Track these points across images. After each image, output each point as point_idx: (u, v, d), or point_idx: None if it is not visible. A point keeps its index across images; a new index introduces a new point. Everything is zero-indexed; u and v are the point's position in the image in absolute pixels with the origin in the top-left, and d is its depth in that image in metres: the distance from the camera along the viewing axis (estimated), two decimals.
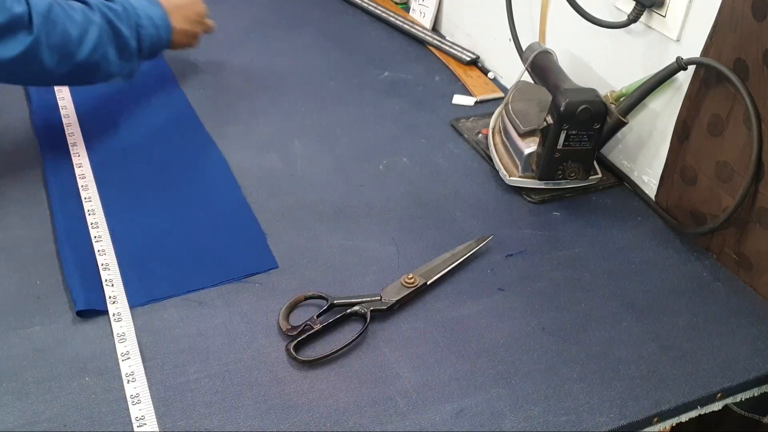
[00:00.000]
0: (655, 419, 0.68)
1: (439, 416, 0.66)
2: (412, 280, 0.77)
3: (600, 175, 0.94)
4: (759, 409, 0.80)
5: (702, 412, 0.71)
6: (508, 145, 0.96)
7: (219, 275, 0.78)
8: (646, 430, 0.68)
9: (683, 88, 0.85)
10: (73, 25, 0.84)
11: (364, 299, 0.75)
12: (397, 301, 0.75)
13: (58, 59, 0.84)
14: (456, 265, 0.81)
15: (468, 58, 1.23)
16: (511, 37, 1.09)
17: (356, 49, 1.26)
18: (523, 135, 0.92)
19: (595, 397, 0.68)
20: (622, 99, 0.90)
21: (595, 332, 0.75)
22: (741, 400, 0.73)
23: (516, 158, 0.94)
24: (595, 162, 0.92)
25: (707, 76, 0.81)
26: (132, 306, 0.74)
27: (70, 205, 0.86)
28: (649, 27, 0.88)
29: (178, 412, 0.64)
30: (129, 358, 0.68)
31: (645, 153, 0.93)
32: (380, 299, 0.75)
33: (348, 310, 0.74)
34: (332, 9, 1.40)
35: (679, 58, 0.82)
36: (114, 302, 0.73)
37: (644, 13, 0.86)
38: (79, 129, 0.99)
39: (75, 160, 0.93)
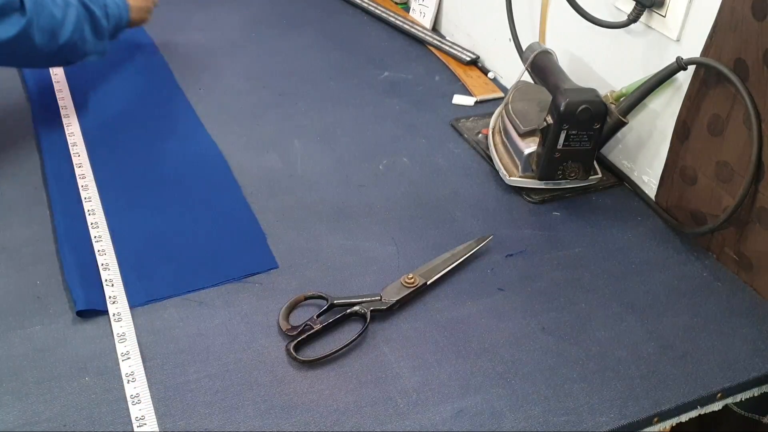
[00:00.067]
0: (655, 419, 0.68)
1: (439, 416, 0.66)
2: (412, 280, 0.77)
3: (600, 175, 0.94)
4: (759, 409, 0.80)
5: (702, 412, 0.71)
6: (508, 145, 0.96)
7: (219, 275, 0.78)
8: (646, 430, 0.68)
9: (683, 88, 0.85)
10: (56, 7, 0.89)
11: (364, 299, 0.75)
12: (397, 301, 0.75)
13: (47, 40, 0.89)
14: (456, 265, 0.81)
15: (468, 58, 1.23)
16: (511, 37, 1.09)
17: (356, 49, 1.26)
18: (523, 135, 0.92)
19: (595, 397, 0.68)
20: (622, 99, 0.90)
21: (595, 332, 0.75)
22: (741, 400, 0.73)
23: (516, 158, 0.94)
24: (595, 162, 0.92)
25: (707, 76, 0.81)
26: (132, 306, 0.74)
27: (70, 205, 0.86)
28: (649, 27, 0.88)
29: (178, 412, 0.65)
30: (129, 358, 0.68)
31: (645, 153, 0.93)
32: (380, 299, 0.75)
33: (348, 310, 0.74)
34: (332, 9, 1.40)
35: (679, 58, 0.82)
36: (114, 302, 0.73)
37: (644, 13, 0.86)
38: (79, 129, 0.99)
39: (75, 160, 0.93)
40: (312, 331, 0.72)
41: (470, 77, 1.20)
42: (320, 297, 0.76)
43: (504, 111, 0.98)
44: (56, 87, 1.07)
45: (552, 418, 0.66)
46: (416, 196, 0.92)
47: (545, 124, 0.87)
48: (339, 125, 1.05)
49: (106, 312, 0.73)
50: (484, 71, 1.22)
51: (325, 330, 0.73)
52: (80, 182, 0.89)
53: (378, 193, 0.93)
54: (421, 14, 1.36)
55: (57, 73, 1.10)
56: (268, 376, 0.68)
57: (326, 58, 1.23)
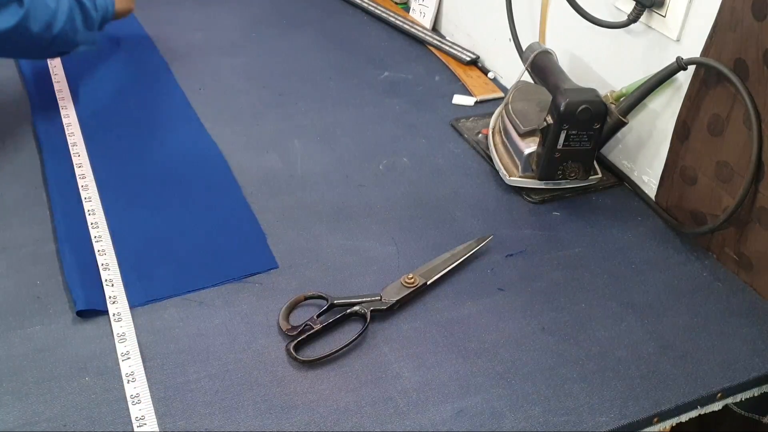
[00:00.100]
0: (655, 419, 0.68)
1: (439, 416, 0.66)
2: (412, 280, 0.77)
3: (600, 175, 0.94)
4: (759, 409, 0.80)
5: (702, 412, 0.71)
6: (508, 145, 0.96)
7: (219, 275, 0.78)
8: (646, 430, 0.68)
9: (683, 88, 0.85)
10: None
11: (364, 299, 0.75)
12: (397, 301, 0.75)
13: (43, 30, 0.91)
14: (456, 265, 0.81)
15: (468, 58, 1.23)
16: (511, 37, 1.09)
17: (356, 49, 1.26)
18: (523, 135, 0.92)
19: (595, 397, 0.68)
20: (622, 99, 0.90)
21: (595, 332, 0.75)
22: (741, 400, 0.73)
23: (516, 158, 0.94)
24: (595, 162, 0.92)
25: (707, 76, 0.81)
26: (132, 306, 0.74)
27: (70, 205, 0.86)
28: (649, 27, 0.88)
29: (178, 412, 0.65)
30: (129, 358, 0.68)
31: (645, 153, 0.93)
32: (380, 299, 0.75)
33: (348, 310, 0.74)
34: (332, 9, 1.40)
35: (679, 58, 0.82)
36: (114, 302, 0.73)
37: (644, 13, 0.86)
38: (79, 129, 0.99)
39: (75, 160, 0.93)
40: (312, 331, 0.72)
41: (470, 77, 1.20)
42: (320, 297, 0.76)
43: (504, 111, 0.98)
44: (56, 87, 1.07)
45: (552, 418, 0.66)
46: (416, 196, 0.92)
47: (545, 124, 0.87)
48: (339, 125, 1.05)
49: (106, 312, 0.73)
50: (484, 71, 1.22)
51: (325, 330, 0.73)
52: (80, 182, 0.89)
53: (378, 193, 0.93)
54: (421, 14, 1.36)
55: (57, 74, 1.10)
56: (268, 376, 0.68)
57: (326, 58, 1.23)
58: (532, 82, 1.01)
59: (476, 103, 1.13)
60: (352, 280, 0.79)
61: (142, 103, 1.07)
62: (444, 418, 0.66)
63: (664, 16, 0.84)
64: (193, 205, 0.88)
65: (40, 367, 0.68)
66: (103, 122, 1.01)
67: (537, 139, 0.91)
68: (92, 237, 0.81)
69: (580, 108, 0.84)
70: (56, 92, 1.06)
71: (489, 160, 0.99)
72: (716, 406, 0.72)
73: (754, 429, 0.83)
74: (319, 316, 0.73)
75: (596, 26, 0.92)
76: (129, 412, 0.64)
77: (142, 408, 0.64)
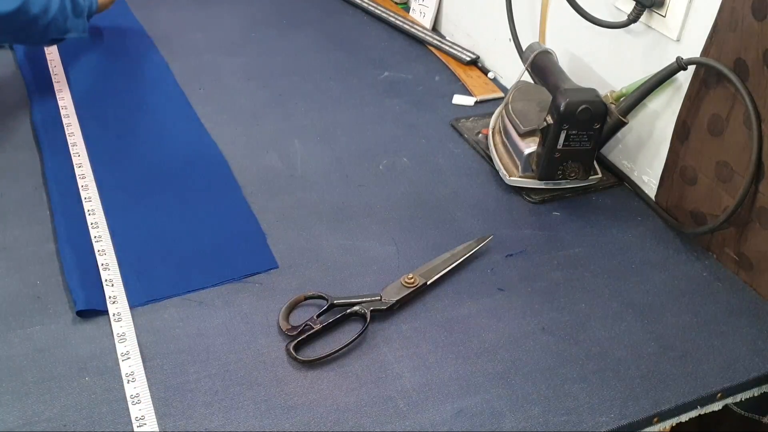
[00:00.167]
0: (655, 419, 0.68)
1: (439, 416, 0.66)
2: (412, 280, 0.77)
3: (600, 175, 0.94)
4: (759, 409, 0.80)
5: (702, 412, 0.71)
6: (508, 145, 0.96)
7: (219, 275, 0.78)
8: (646, 430, 0.68)
9: (683, 88, 0.85)
10: None
11: (364, 299, 0.75)
12: (397, 301, 0.75)
13: (41, 13, 0.95)
14: (456, 265, 0.81)
15: (468, 58, 1.23)
16: (511, 37, 1.09)
17: (356, 49, 1.26)
18: (523, 135, 0.92)
19: (595, 397, 0.68)
20: (622, 99, 0.90)
21: (595, 332, 0.75)
22: (741, 400, 0.73)
23: (516, 158, 0.94)
24: (595, 162, 0.92)
25: (707, 76, 0.81)
26: (132, 306, 0.74)
27: (70, 205, 0.86)
28: (649, 27, 0.88)
29: (178, 412, 0.65)
30: (129, 358, 0.68)
31: (645, 153, 0.93)
32: (380, 299, 0.75)
33: (348, 310, 0.74)
34: (332, 9, 1.40)
35: (679, 58, 0.82)
36: (114, 302, 0.73)
37: (644, 13, 0.86)
38: (79, 129, 0.99)
39: (75, 160, 0.93)
40: (312, 331, 0.72)
41: (470, 77, 1.20)
42: (320, 297, 0.76)
43: (504, 111, 0.98)
44: (56, 87, 1.07)
45: (552, 418, 0.66)
46: (416, 196, 0.92)
47: (545, 124, 0.87)
48: (339, 125, 1.05)
49: (106, 312, 0.73)
50: (484, 71, 1.22)
51: (325, 330, 0.73)
52: (80, 182, 0.89)
53: (378, 193, 0.93)
54: (421, 14, 1.36)
55: (57, 73, 1.11)
56: (268, 376, 0.68)
57: (326, 58, 1.23)
58: (532, 82, 1.01)
59: (476, 103, 1.13)
60: (352, 280, 0.79)
61: (142, 103, 1.07)
62: (444, 418, 0.66)
63: (664, 16, 0.84)
64: (193, 205, 0.88)
65: (40, 367, 0.68)
66: (103, 122, 1.01)
67: (537, 139, 0.91)
68: (92, 237, 0.81)
69: (580, 108, 0.84)
70: (56, 92, 1.06)
71: (489, 160, 0.99)
72: (716, 406, 0.72)
73: (754, 429, 0.83)
74: (319, 316, 0.73)
75: (596, 26, 0.92)
76: (129, 412, 0.64)
77: (142, 408, 0.64)
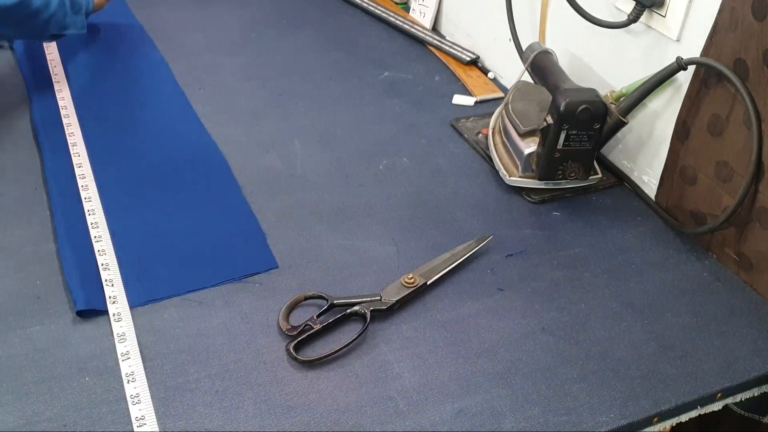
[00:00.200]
0: (655, 419, 0.68)
1: (439, 416, 0.66)
2: (412, 280, 0.77)
3: (600, 175, 0.94)
4: (759, 409, 0.80)
5: (702, 412, 0.71)
6: (508, 145, 0.96)
7: (219, 275, 0.78)
8: (646, 430, 0.68)
9: (683, 88, 0.85)
10: None
11: (364, 299, 0.75)
12: (397, 301, 0.75)
13: (41, 8, 0.97)
14: (456, 265, 0.81)
15: (468, 58, 1.23)
16: (511, 37, 1.09)
17: (356, 49, 1.26)
18: (523, 135, 0.92)
19: (595, 397, 0.68)
20: (622, 99, 0.90)
21: (595, 332, 0.75)
22: (741, 400, 0.73)
23: (516, 158, 0.94)
24: (595, 162, 0.92)
25: (707, 76, 0.81)
26: (132, 306, 0.74)
27: (70, 205, 0.86)
28: (649, 27, 0.88)
29: (178, 412, 0.65)
30: (129, 358, 0.68)
31: (645, 153, 0.93)
32: (380, 299, 0.75)
33: (348, 310, 0.74)
34: (332, 9, 1.40)
35: (679, 58, 0.82)
36: (114, 302, 0.73)
37: (644, 13, 0.86)
38: (79, 129, 0.99)
39: (75, 160, 0.93)
40: (312, 331, 0.72)
41: (470, 77, 1.20)
42: (320, 297, 0.76)
43: (504, 111, 0.98)
44: (56, 87, 1.07)
45: (552, 418, 0.66)
46: (416, 196, 0.92)
47: (545, 124, 0.87)
48: (339, 125, 1.05)
49: (106, 312, 0.73)
50: (484, 71, 1.22)
51: (325, 330, 0.73)
52: (80, 182, 0.89)
53: (378, 193, 0.93)
54: (421, 14, 1.36)
55: (57, 73, 1.11)
56: (268, 376, 0.68)
57: (326, 58, 1.23)
58: (532, 82, 1.01)
59: (476, 103, 1.13)
60: (352, 280, 0.79)
61: (142, 103, 1.07)
62: (444, 418, 0.66)
63: (664, 16, 0.84)
64: (193, 205, 0.88)
65: (40, 367, 0.68)
66: (103, 122, 1.01)
67: (537, 139, 0.91)
68: (92, 237, 0.81)
69: (580, 108, 0.84)
70: (56, 92, 1.06)
71: (489, 160, 0.99)
72: (716, 406, 0.72)
73: (754, 429, 0.83)
74: (319, 316, 0.73)
75: (596, 26, 0.92)
76: (129, 412, 0.64)
77: (142, 408, 0.64)
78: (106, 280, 0.76)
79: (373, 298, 0.75)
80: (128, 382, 0.66)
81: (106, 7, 1.18)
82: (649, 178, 0.94)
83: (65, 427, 0.63)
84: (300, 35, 1.29)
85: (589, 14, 0.93)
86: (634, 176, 0.96)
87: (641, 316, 0.77)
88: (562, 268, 0.83)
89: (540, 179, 0.91)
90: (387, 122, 1.07)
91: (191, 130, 1.02)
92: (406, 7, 1.41)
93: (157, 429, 0.63)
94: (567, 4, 0.94)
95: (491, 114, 1.04)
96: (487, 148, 1.00)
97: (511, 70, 1.16)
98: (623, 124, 0.90)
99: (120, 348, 0.69)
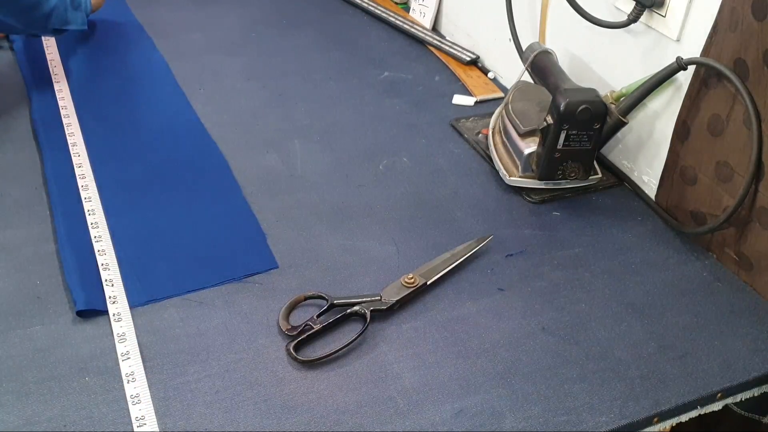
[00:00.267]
0: (655, 419, 0.68)
1: (439, 416, 0.66)
2: (412, 280, 0.77)
3: (600, 175, 0.94)
4: (759, 409, 0.80)
5: (702, 412, 0.71)
6: (508, 145, 0.96)
7: (219, 275, 0.78)
8: (646, 430, 0.68)
9: (683, 88, 0.85)
10: None
11: (364, 299, 0.75)
12: (397, 301, 0.75)
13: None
14: (456, 265, 0.81)
15: (468, 58, 1.23)
16: (511, 37, 1.09)
17: (356, 49, 1.26)
18: (523, 135, 0.92)
19: (595, 397, 0.68)
20: (622, 99, 0.90)
21: (595, 332, 0.75)
22: (741, 400, 0.73)
23: (516, 158, 0.94)
24: (595, 162, 0.92)
25: (707, 76, 0.81)
26: (132, 306, 0.74)
27: (70, 205, 0.86)
28: (649, 27, 0.88)
29: (178, 412, 0.65)
30: (129, 358, 0.68)
31: (645, 153, 0.93)
32: (380, 299, 0.75)
33: (348, 310, 0.74)
34: (332, 9, 1.40)
35: (679, 58, 0.82)
36: (114, 302, 0.73)
37: (644, 13, 0.86)
38: (79, 129, 0.99)
39: (75, 160, 0.93)
40: (312, 331, 0.72)
41: (470, 77, 1.20)
42: (320, 297, 0.76)
43: (504, 111, 0.98)
44: (56, 87, 1.07)
45: (552, 418, 0.66)
46: (416, 196, 0.92)
47: (545, 124, 0.87)
48: (339, 125, 1.05)
49: (106, 312, 0.73)
50: (484, 71, 1.22)
51: (325, 330, 0.73)
52: (80, 182, 0.89)
53: (378, 193, 0.93)
54: (421, 14, 1.36)
55: (57, 73, 1.11)
56: (268, 376, 0.68)
57: (326, 58, 1.23)
58: (532, 82, 1.01)
59: (476, 103, 1.13)
60: (352, 280, 0.79)
61: (142, 103, 1.07)
62: (444, 418, 0.66)
63: (664, 16, 0.84)
64: (193, 205, 0.88)
65: (40, 367, 0.68)
66: (103, 122, 1.01)
67: (537, 139, 0.91)
68: (92, 237, 0.81)
69: (580, 108, 0.84)
70: (56, 92, 1.06)
71: (489, 160, 0.99)
72: (716, 406, 0.72)
73: (754, 429, 0.83)
74: (319, 316, 0.73)
75: (596, 26, 0.92)
76: (129, 412, 0.64)
77: (142, 408, 0.64)
78: (106, 280, 0.76)
79: (373, 298, 0.75)
80: (128, 382, 0.66)
81: (107, 7, 1.19)
82: (649, 178, 0.94)
83: (65, 427, 0.63)
84: (300, 35, 1.29)
85: (589, 14, 0.93)
86: (634, 176, 0.96)
87: (641, 316, 0.77)
88: (562, 268, 0.83)
89: (540, 179, 0.91)
90: (387, 122, 1.07)
91: (191, 130, 1.02)
92: (406, 7, 1.41)
93: (157, 429, 0.63)
94: (567, 4, 0.94)
95: (491, 114, 1.04)
96: (487, 148, 1.00)
97: (511, 70, 1.16)
98: (623, 124, 0.90)
99: (120, 348, 0.69)
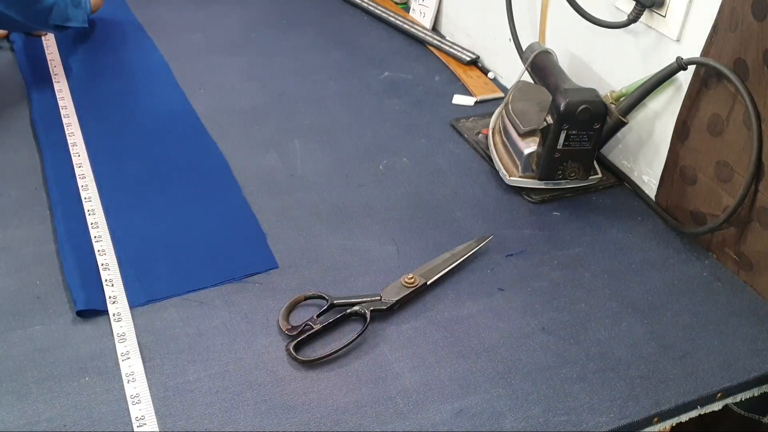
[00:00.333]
0: (655, 419, 0.68)
1: (439, 416, 0.66)
2: (412, 280, 0.77)
3: (600, 175, 0.94)
4: (759, 409, 0.80)
5: (702, 412, 0.71)
6: (508, 145, 0.96)
7: (219, 275, 0.78)
8: (646, 430, 0.68)
9: (683, 88, 0.85)
10: None
11: (364, 299, 0.75)
12: (397, 301, 0.75)
13: None
14: (456, 265, 0.81)
15: (468, 58, 1.23)
16: (511, 37, 1.09)
17: (356, 49, 1.26)
18: (523, 135, 0.92)
19: (595, 397, 0.68)
20: (622, 99, 0.90)
21: (595, 332, 0.75)
22: (741, 400, 0.73)
23: (516, 158, 0.94)
24: (595, 162, 0.92)
25: (707, 76, 0.81)
26: (132, 306, 0.74)
27: (70, 205, 0.86)
28: (649, 27, 0.88)
29: (178, 412, 0.65)
30: (129, 358, 0.69)
31: (645, 153, 0.93)
32: (380, 299, 0.75)
33: (348, 310, 0.74)
34: (332, 9, 1.40)
35: (679, 58, 0.82)
36: (114, 302, 0.73)
37: (644, 13, 0.86)
38: (79, 129, 0.99)
39: (75, 160, 0.93)
40: (312, 331, 0.72)
41: (470, 77, 1.20)
42: (320, 297, 0.76)
43: (504, 111, 0.98)
44: (56, 87, 1.07)
45: (552, 417, 0.66)
46: (416, 196, 0.92)
47: (545, 124, 0.87)
48: (339, 125, 1.05)
49: (106, 312, 0.73)
50: (484, 71, 1.22)
51: (325, 330, 0.73)
52: (80, 182, 0.89)
53: (378, 193, 0.93)
54: (421, 14, 1.36)
55: (57, 73, 1.11)
56: (268, 376, 0.68)
57: (326, 58, 1.23)
58: (532, 82, 1.01)
59: (476, 103, 1.13)
60: (352, 280, 0.79)
61: (142, 103, 1.07)
62: (444, 418, 0.66)
63: (664, 16, 0.84)
64: (193, 205, 0.88)
65: (40, 367, 0.68)
66: (103, 122, 1.02)
67: (537, 139, 0.91)
68: (92, 237, 0.81)
69: (580, 108, 0.84)
70: (56, 92, 1.06)
71: (489, 160, 0.99)
72: (716, 406, 0.72)
73: (754, 429, 0.83)
74: (319, 316, 0.73)
75: (596, 26, 0.92)
76: (129, 412, 0.64)
77: (142, 408, 0.64)
78: (106, 280, 0.76)
79: (373, 298, 0.75)
80: (128, 382, 0.66)
81: (107, 6, 1.20)
82: (649, 178, 0.94)
83: (65, 427, 0.63)
84: (300, 35, 1.29)
85: (589, 14, 0.93)
86: (634, 176, 0.96)
87: (641, 316, 0.77)
88: (562, 268, 0.83)
89: (540, 179, 0.91)
90: (387, 122, 1.07)
91: (191, 130, 1.02)
92: (406, 7, 1.41)
93: (157, 429, 0.63)
94: (567, 4, 0.94)
95: (491, 114, 1.04)
96: (487, 148, 1.00)
97: (511, 70, 1.16)
98: (623, 124, 0.90)
99: (120, 348, 0.69)
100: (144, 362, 0.68)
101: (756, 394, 0.73)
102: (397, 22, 1.33)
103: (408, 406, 0.66)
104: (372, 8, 1.37)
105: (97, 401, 0.65)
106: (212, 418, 0.64)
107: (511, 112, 0.95)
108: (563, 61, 1.00)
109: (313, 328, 0.72)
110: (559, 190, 0.93)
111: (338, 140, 1.02)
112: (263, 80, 1.15)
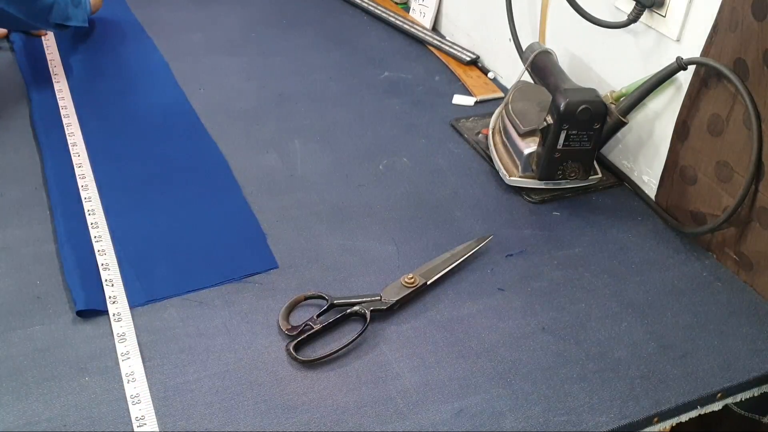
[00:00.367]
0: (655, 419, 0.68)
1: (439, 416, 0.66)
2: (412, 280, 0.77)
3: (600, 175, 0.94)
4: (759, 409, 0.80)
5: (702, 412, 0.71)
6: (508, 145, 0.96)
7: (219, 275, 0.78)
8: (646, 430, 0.68)
9: (683, 88, 0.85)
10: None
11: (364, 299, 0.75)
12: (397, 301, 0.75)
13: None
14: (456, 265, 0.81)
15: (468, 58, 1.23)
16: (511, 37, 1.09)
17: (356, 49, 1.26)
18: (523, 135, 0.92)
19: (595, 397, 0.68)
20: (622, 99, 0.90)
21: (595, 332, 0.75)
22: (741, 400, 0.73)
23: (516, 158, 0.94)
24: (595, 162, 0.92)
25: (707, 76, 0.81)
26: (132, 306, 0.74)
27: (70, 205, 0.86)
28: (649, 27, 0.88)
29: (178, 412, 0.65)
30: (129, 358, 0.69)
31: (645, 153, 0.93)
32: (380, 299, 0.75)
33: (348, 310, 0.74)
34: (332, 9, 1.40)
35: (679, 58, 0.82)
36: (114, 302, 0.73)
37: (644, 13, 0.86)
38: (79, 129, 0.99)
39: (75, 160, 0.93)
40: (312, 331, 0.72)
41: (470, 77, 1.20)
42: (320, 297, 0.76)
43: (504, 111, 0.98)
44: (56, 87, 1.07)
45: (552, 417, 0.66)
46: (416, 196, 0.92)
47: (545, 124, 0.87)
48: (339, 125, 1.05)
49: (106, 312, 0.73)
50: (484, 71, 1.22)
51: (325, 330, 0.73)
52: (80, 182, 0.89)
53: (378, 193, 0.93)
54: (421, 14, 1.36)
55: (57, 73, 1.11)
56: (268, 376, 0.68)
57: (326, 58, 1.23)
58: (532, 82, 1.01)
59: (476, 103, 1.13)
60: (352, 280, 0.79)
61: (142, 103, 1.07)
62: (444, 418, 0.66)
63: (664, 16, 0.84)
64: (193, 205, 0.88)
65: (40, 367, 0.68)
66: (103, 122, 1.02)
67: (537, 139, 0.91)
68: (92, 237, 0.81)
69: (580, 108, 0.84)
70: (56, 92, 1.06)
71: (489, 160, 0.99)
72: (716, 406, 0.72)
73: (754, 429, 0.83)
74: (319, 316, 0.73)
75: (596, 26, 0.92)
76: (129, 412, 0.64)
77: (142, 408, 0.64)
78: (106, 280, 0.76)
79: (373, 298, 0.75)
80: (128, 382, 0.66)
81: (107, 6, 1.20)
82: (649, 178, 0.94)
83: (65, 427, 0.63)
84: (300, 35, 1.29)
85: (589, 14, 0.93)
86: (634, 176, 0.96)
87: (641, 316, 0.77)
88: (562, 268, 0.83)
89: (540, 179, 0.91)
90: (387, 122, 1.07)
91: (191, 130, 1.02)
92: (406, 7, 1.41)
93: (157, 429, 0.63)
94: (567, 4, 0.94)
95: (491, 114, 1.04)
96: (487, 148, 1.00)
97: (511, 70, 1.16)
98: (623, 124, 0.90)
99: (120, 348, 0.69)
100: (144, 362, 0.68)
101: (756, 394, 0.73)
102: (397, 22, 1.33)
103: (408, 406, 0.66)
104: (372, 8, 1.37)
105: (97, 401, 0.65)
106: (212, 418, 0.64)
107: (511, 112, 0.95)
108: (563, 61, 1.00)
109: (313, 328, 0.72)
110: (559, 190, 0.93)
111: (338, 140, 1.02)
112: (263, 80, 1.15)
